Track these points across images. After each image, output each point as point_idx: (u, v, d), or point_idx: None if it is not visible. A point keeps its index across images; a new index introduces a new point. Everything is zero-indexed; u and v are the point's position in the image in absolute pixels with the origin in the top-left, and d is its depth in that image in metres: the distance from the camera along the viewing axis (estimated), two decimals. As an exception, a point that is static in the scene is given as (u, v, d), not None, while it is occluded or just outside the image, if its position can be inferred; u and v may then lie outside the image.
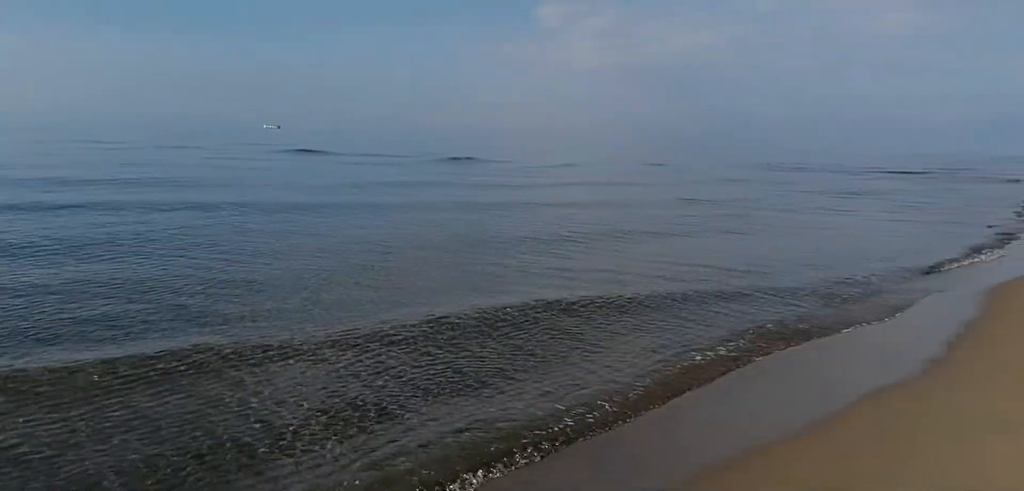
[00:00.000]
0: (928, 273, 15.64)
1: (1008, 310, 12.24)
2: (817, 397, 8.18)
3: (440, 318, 10.17)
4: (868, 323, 11.33)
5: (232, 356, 8.30)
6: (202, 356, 8.24)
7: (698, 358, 9.17)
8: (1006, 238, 21.71)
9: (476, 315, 10.41)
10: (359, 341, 9.13)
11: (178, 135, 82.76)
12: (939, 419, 7.42)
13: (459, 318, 10.26)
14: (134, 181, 27.57)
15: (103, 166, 34.79)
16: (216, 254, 14.29)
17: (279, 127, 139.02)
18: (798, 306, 12.19)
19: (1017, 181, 58.04)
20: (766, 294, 12.92)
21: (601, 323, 10.62)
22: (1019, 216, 28.99)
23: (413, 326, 9.82)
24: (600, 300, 11.78)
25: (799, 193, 38.50)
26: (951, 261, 17.13)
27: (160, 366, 7.80)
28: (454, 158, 60.20)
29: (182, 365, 7.94)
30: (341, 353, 8.74)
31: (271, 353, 8.52)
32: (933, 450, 6.57)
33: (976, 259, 17.68)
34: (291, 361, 8.33)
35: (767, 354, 9.62)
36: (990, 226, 24.80)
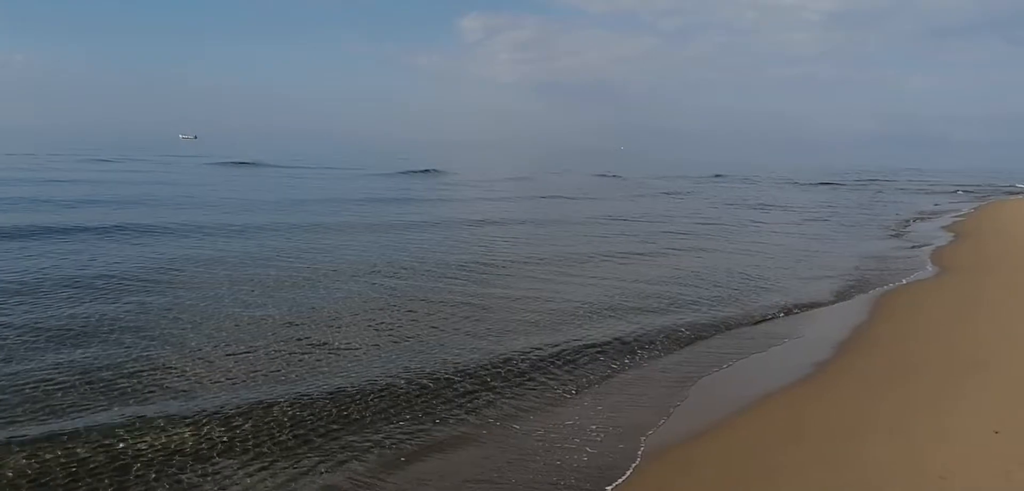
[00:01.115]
0: (834, 283, 16.68)
1: (891, 316, 13.42)
2: (717, 399, 9.10)
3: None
4: (765, 327, 12.44)
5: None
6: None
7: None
8: (896, 248, 23.68)
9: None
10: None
11: (92, 147, 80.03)
12: (826, 418, 8.28)
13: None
14: (54, 201, 25.92)
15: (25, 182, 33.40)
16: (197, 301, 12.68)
17: (196, 137, 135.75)
18: (704, 311, 13.21)
19: (917, 189, 63.06)
20: (677, 307, 13.73)
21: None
22: (906, 225, 31.75)
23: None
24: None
25: (727, 206, 40.81)
26: (854, 271, 18.41)
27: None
28: (412, 171, 59.86)
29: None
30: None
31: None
32: (822, 448, 7.37)
33: (870, 268, 19.04)
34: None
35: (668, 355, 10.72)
36: (885, 237, 27.07)
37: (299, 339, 10.64)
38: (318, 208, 28.96)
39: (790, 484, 6.53)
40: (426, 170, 61.31)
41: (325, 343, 10.45)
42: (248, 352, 9.92)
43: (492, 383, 9.14)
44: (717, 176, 73.63)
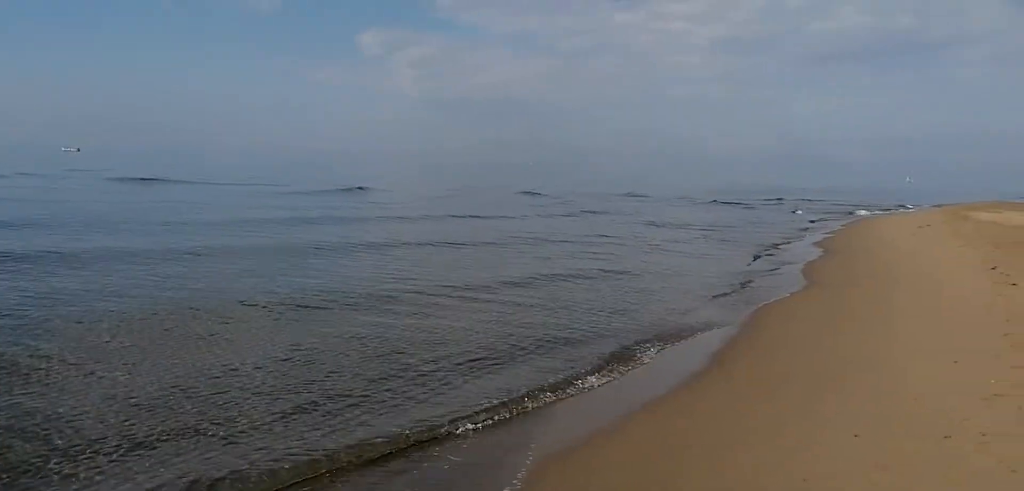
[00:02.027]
0: (713, 298, 17.80)
1: (766, 328, 14.28)
2: (603, 408, 9.68)
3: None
4: (649, 343, 12.95)
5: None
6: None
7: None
8: (777, 264, 25.10)
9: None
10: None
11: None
12: (705, 426, 8.77)
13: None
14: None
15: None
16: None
17: (78, 150, 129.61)
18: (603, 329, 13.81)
19: (794, 210, 67.45)
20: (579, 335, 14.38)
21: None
22: (783, 242, 34.13)
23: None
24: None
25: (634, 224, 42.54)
26: (732, 286, 19.55)
27: None
28: (344, 189, 58.29)
29: None
30: None
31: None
32: (701, 454, 7.81)
33: (749, 283, 20.23)
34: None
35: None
36: (762, 253, 28.54)
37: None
38: (235, 229, 27.69)
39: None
40: (354, 188, 59.59)
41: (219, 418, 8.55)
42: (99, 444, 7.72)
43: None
44: (631, 195, 76.40)
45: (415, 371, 10.86)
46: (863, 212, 62.88)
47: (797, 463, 7.20)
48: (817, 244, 32.53)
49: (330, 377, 10.38)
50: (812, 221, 49.53)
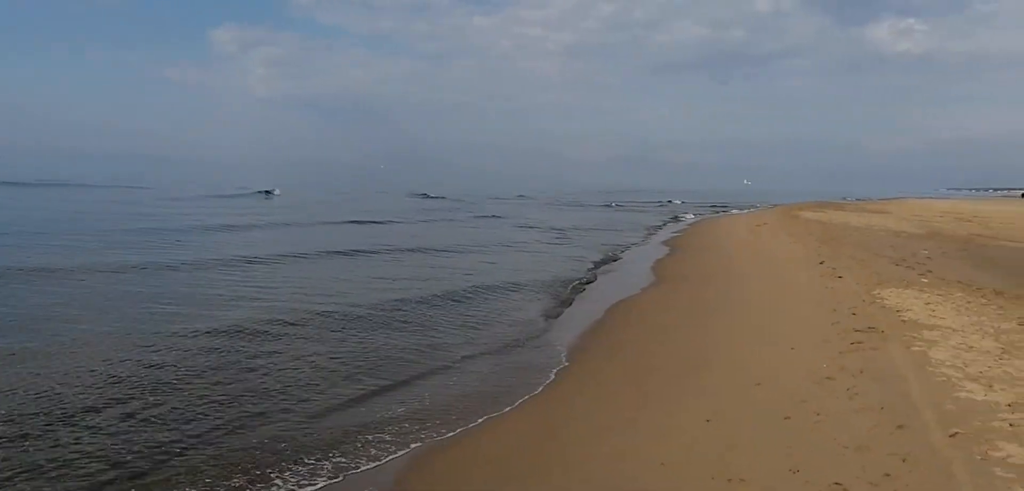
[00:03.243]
0: (567, 297, 18.15)
1: (619, 322, 14.82)
2: (470, 407, 9.59)
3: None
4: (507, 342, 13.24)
5: None
6: None
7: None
8: (627, 262, 26.19)
9: None
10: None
11: None
12: (572, 420, 8.97)
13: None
14: None
15: None
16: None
17: None
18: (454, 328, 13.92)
19: (659, 206, 70.75)
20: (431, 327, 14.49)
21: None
22: (638, 240, 35.88)
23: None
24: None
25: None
26: (585, 284, 20.15)
27: None
28: (212, 195, 54.35)
29: None
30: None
31: None
32: (571, 448, 8.01)
33: (600, 281, 21.06)
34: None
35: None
36: (614, 252, 29.56)
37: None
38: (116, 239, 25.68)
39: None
40: (208, 197, 55.37)
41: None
42: None
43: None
44: (490, 198, 77.12)
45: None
46: (706, 213, 66.84)
47: (655, 448, 7.56)
48: (665, 243, 34.16)
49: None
50: (659, 222, 52.04)
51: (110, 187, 58.98)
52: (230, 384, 10.19)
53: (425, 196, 77.71)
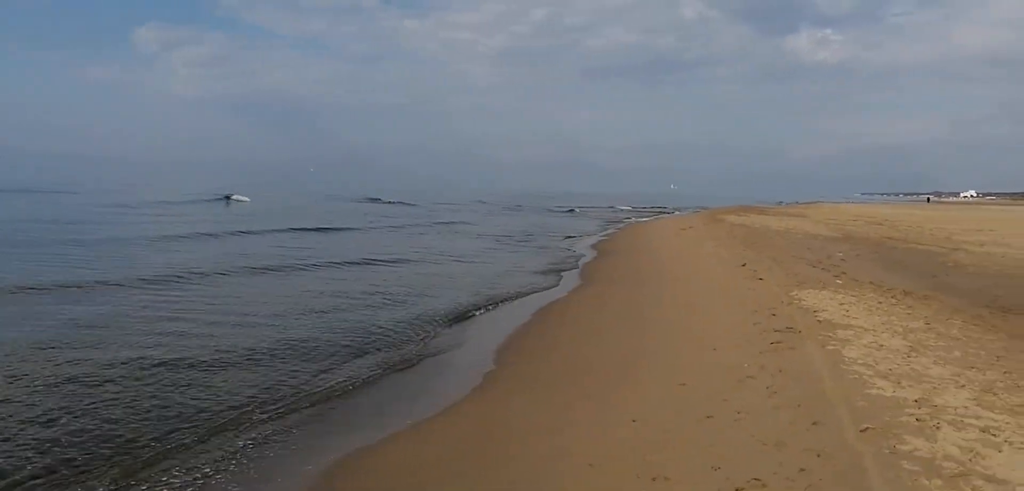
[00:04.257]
0: (498, 301, 17.96)
1: (548, 325, 14.87)
2: (402, 411, 9.55)
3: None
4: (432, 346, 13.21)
5: None
6: None
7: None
8: (556, 265, 26.10)
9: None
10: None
11: None
12: (497, 424, 9.00)
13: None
14: None
15: None
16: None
17: None
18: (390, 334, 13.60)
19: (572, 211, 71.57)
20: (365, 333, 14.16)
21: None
22: (567, 243, 36.17)
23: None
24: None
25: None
26: (514, 288, 19.94)
27: None
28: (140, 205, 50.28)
29: None
30: None
31: None
32: (497, 450, 8.01)
33: (530, 284, 20.95)
34: None
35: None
36: (542, 255, 29.86)
37: None
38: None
39: None
40: (123, 205, 51.37)
41: None
42: None
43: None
44: (404, 203, 76.63)
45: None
46: (634, 216, 68.07)
47: (584, 449, 7.64)
48: (593, 246, 34.66)
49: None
50: (589, 226, 52.72)
51: (37, 192, 55.45)
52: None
53: (377, 201, 76.73)
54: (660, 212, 78.08)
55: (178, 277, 19.21)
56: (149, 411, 9.10)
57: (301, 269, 22.80)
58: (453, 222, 50.35)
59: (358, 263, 24.66)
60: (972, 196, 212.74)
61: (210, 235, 32.09)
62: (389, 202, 74.81)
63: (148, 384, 10.05)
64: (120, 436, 8.28)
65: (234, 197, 59.60)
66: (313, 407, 9.77)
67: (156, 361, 11.03)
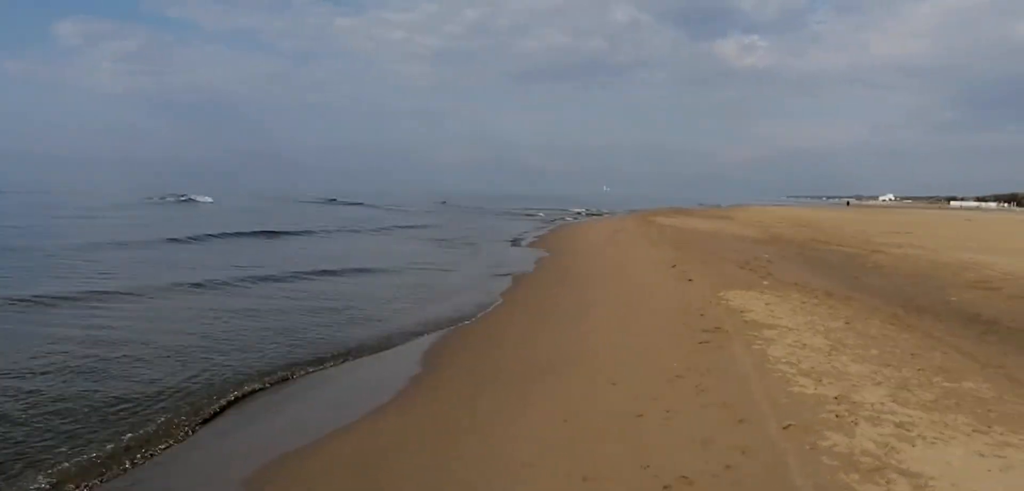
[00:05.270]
0: (425, 302, 18.04)
1: (480, 327, 14.99)
2: (332, 416, 9.45)
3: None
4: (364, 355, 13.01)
5: None
6: None
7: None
8: (490, 267, 26.21)
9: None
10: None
11: None
12: (428, 426, 8.94)
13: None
14: None
15: None
16: None
17: None
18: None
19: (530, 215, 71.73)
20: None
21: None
22: (500, 245, 36.37)
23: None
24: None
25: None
26: (443, 291, 20.06)
27: None
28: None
29: None
30: None
31: None
32: (426, 454, 7.97)
33: (462, 286, 21.15)
34: None
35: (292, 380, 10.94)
36: (475, 257, 30.03)
37: None
38: None
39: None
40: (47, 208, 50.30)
41: None
42: None
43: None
44: (346, 203, 75.69)
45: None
46: (568, 218, 68.64)
47: (516, 450, 7.64)
48: (528, 246, 34.78)
49: None
50: (520, 228, 52.86)
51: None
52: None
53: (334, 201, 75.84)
54: (593, 214, 78.90)
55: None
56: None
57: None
58: (389, 225, 49.87)
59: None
60: (890, 200, 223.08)
61: (211, 234, 32.24)
62: (348, 203, 74.44)
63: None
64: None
65: (197, 198, 58.05)
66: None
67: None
